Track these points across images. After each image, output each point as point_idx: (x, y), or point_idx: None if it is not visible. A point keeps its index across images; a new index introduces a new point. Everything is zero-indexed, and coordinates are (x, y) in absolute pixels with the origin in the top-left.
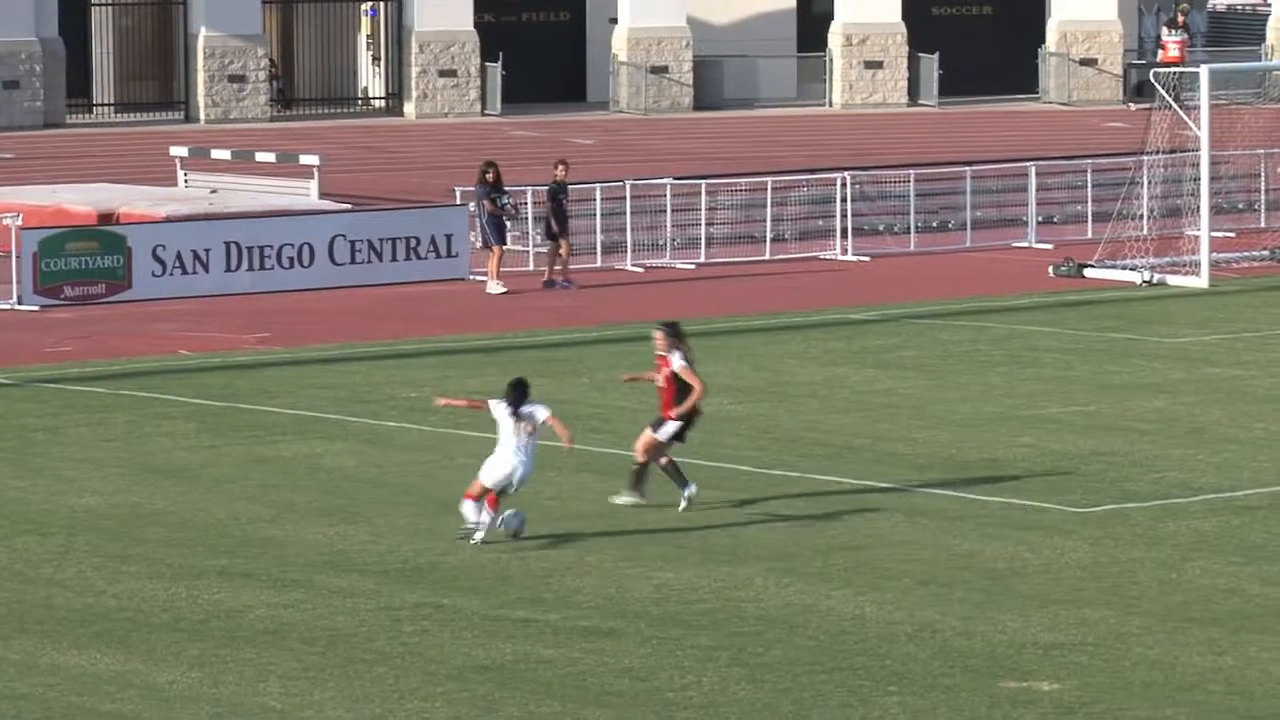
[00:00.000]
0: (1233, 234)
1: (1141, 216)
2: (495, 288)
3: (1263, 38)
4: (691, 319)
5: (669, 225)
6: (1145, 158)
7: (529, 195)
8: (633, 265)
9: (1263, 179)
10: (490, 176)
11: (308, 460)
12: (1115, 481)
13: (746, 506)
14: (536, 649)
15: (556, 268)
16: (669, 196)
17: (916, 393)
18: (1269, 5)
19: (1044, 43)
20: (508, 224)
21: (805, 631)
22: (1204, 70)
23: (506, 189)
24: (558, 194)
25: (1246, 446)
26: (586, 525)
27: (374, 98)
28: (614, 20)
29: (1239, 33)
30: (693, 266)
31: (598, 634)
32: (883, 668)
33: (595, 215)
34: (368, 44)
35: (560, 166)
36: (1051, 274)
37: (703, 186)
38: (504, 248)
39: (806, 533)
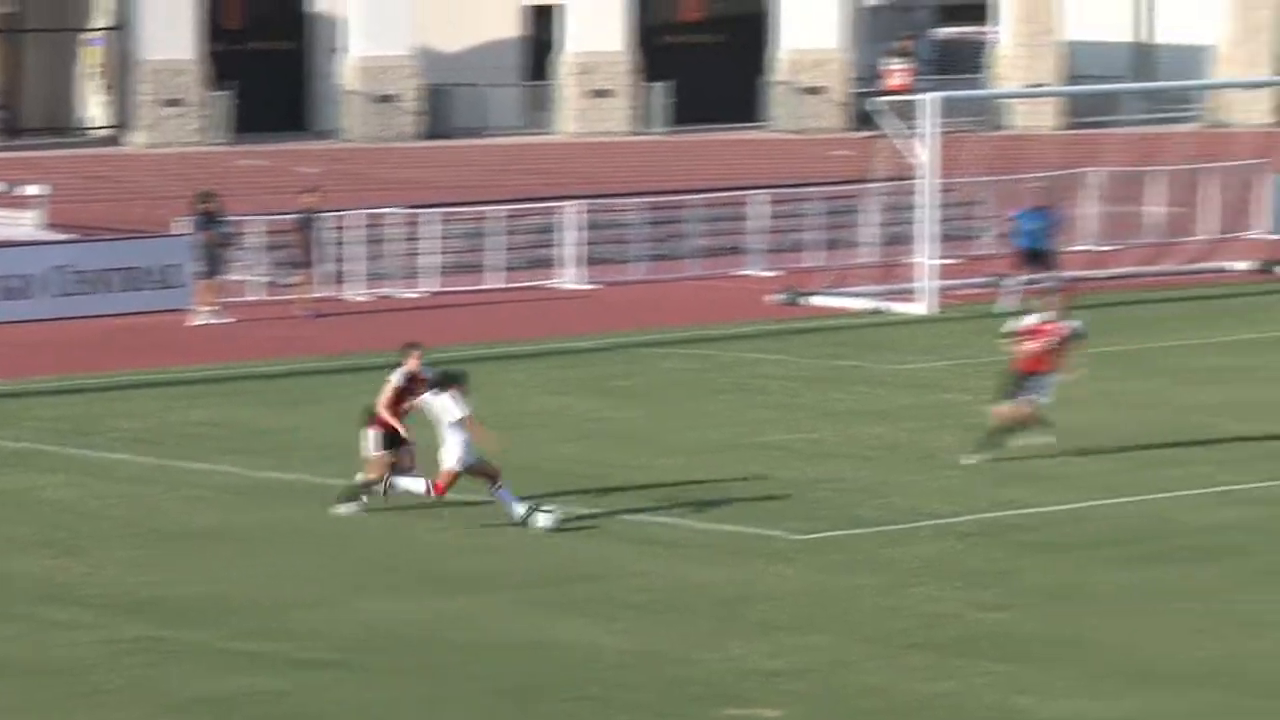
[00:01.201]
0: (957, 261)
1: (867, 244)
2: (206, 318)
3: (986, 66)
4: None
5: (398, 254)
6: (870, 185)
7: (259, 224)
8: (361, 294)
9: (986, 206)
10: (208, 206)
11: (29, 493)
12: (841, 508)
13: (479, 536)
14: (264, 681)
15: (303, 297)
16: (396, 226)
17: (644, 421)
18: (993, 34)
19: (771, 71)
20: (227, 253)
21: (540, 661)
22: (929, 98)
23: (231, 218)
24: (308, 222)
25: (971, 472)
26: (319, 554)
27: (101, 127)
28: (340, 49)
29: (963, 61)
30: (422, 295)
31: (326, 665)
32: (614, 697)
33: (325, 244)
34: (94, 73)
35: (309, 193)
36: (778, 301)
37: (431, 215)
38: (219, 278)
39: (541, 562)
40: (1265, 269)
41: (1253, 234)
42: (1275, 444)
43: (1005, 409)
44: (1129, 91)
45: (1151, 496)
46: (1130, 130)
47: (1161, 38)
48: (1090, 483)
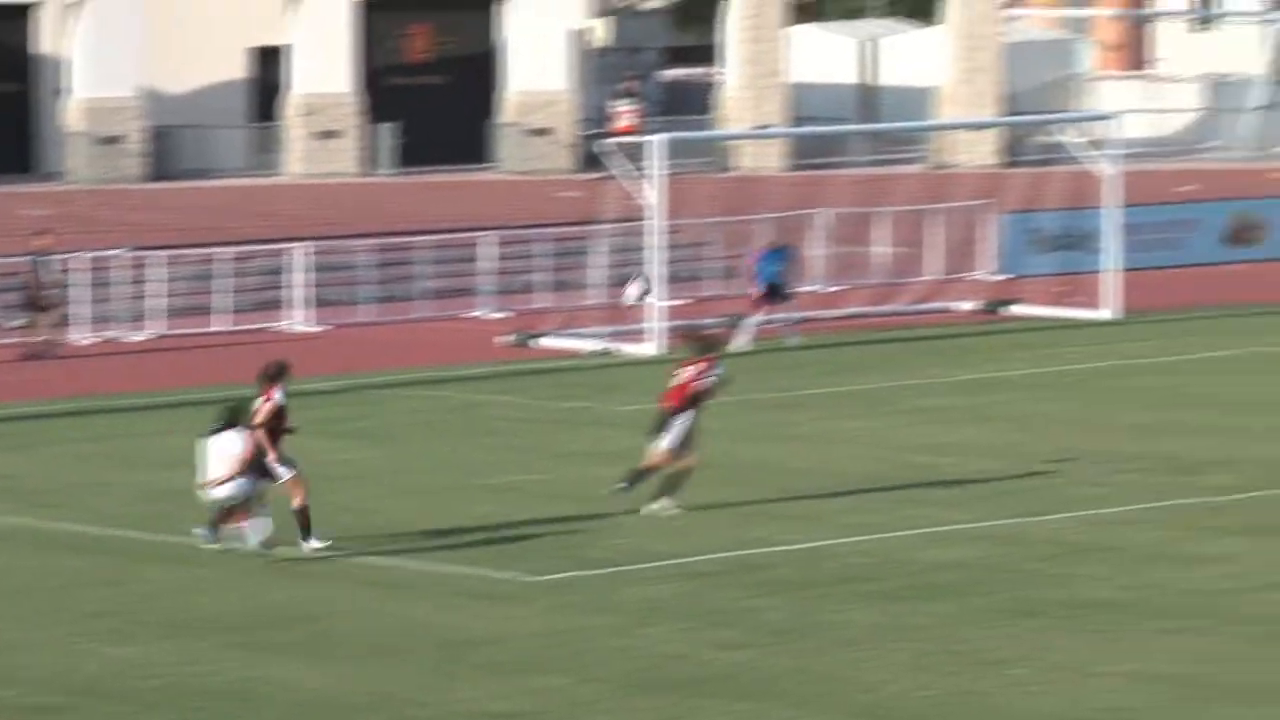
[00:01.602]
0: (686, 301)
1: (596, 285)
2: None
3: (714, 107)
4: (146, 391)
5: (124, 297)
6: (599, 227)
7: None
8: (87, 337)
9: (714, 247)
10: None
11: None
12: (571, 549)
13: (208, 577)
14: None
15: (38, 339)
16: (122, 268)
17: (375, 462)
18: (719, 75)
19: (499, 112)
20: None
21: (262, 705)
22: (656, 140)
23: None
24: (39, 264)
25: (700, 512)
26: (37, 600)
27: None
28: (64, 90)
29: (691, 102)
30: (149, 338)
31: (48, 711)
32: None
33: (58, 287)
34: None
35: (41, 236)
36: (507, 343)
37: (157, 257)
38: None
39: (265, 604)
40: (990, 309)
41: (978, 274)
42: (999, 483)
43: (663, 454)
44: (855, 133)
45: (883, 535)
46: (857, 171)
47: (885, 79)
48: (824, 521)
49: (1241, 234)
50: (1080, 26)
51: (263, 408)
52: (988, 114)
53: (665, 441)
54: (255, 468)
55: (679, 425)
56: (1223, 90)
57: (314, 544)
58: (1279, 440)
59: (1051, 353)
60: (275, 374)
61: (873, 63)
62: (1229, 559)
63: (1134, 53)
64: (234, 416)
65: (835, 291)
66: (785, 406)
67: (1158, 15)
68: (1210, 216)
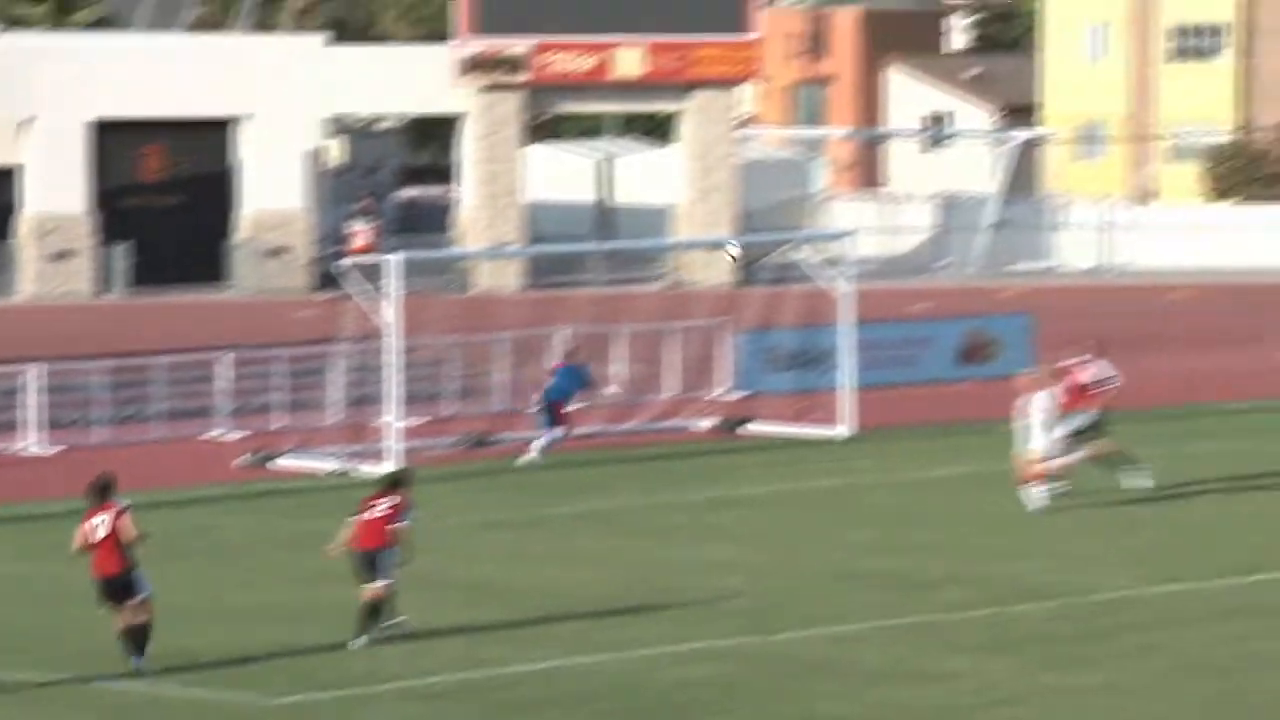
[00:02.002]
0: (423, 421)
1: (334, 405)
2: None
3: (450, 227)
4: None
5: None
6: (337, 346)
7: None
8: None
9: (453, 366)
10: None
11: None
12: (305, 672)
13: None
14: None
15: None
16: None
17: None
18: (456, 195)
19: (234, 232)
20: None
21: None
22: (392, 259)
23: None
24: None
25: (437, 633)
26: None
27: None
28: None
29: (428, 222)
30: None
31: None
32: None
33: None
34: None
35: None
36: (245, 463)
37: None
38: None
39: None
40: (727, 427)
41: (715, 392)
42: (738, 601)
43: (374, 588)
44: (592, 252)
45: (622, 654)
46: (595, 290)
47: (622, 198)
48: (561, 641)
49: (974, 351)
50: (813, 146)
51: (124, 520)
52: (722, 233)
53: (390, 576)
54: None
55: (391, 558)
56: (955, 209)
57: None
58: (1009, 558)
59: (788, 470)
60: (105, 488)
61: (610, 182)
62: (961, 676)
63: (867, 172)
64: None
65: (573, 410)
66: (523, 526)
67: (889, 135)
68: (944, 334)
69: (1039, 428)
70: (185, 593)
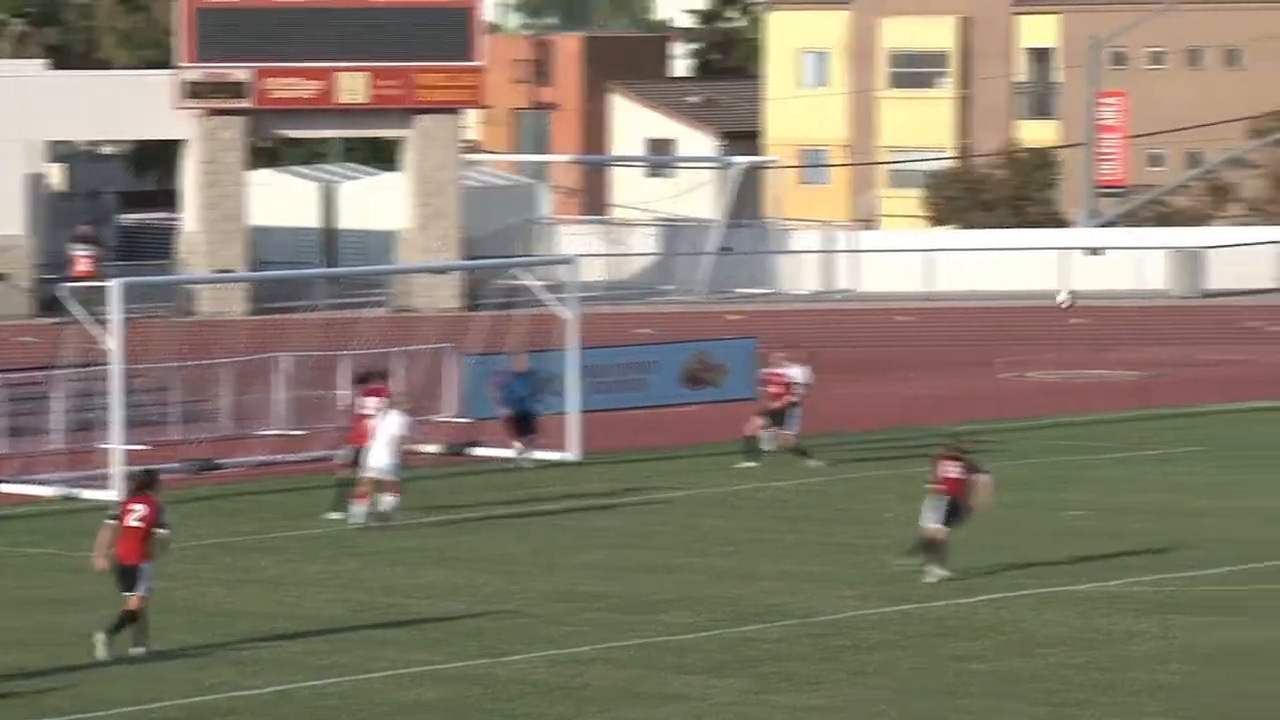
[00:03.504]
0: (147, 447)
1: (56, 430)
2: None
3: (174, 252)
4: None
5: None
6: (59, 372)
7: None
8: None
9: (176, 391)
10: None
11: None
12: (30, 700)
13: None
14: None
15: None
16: None
17: None
18: (179, 220)
19: None
20: None
21: None
22: (114, 284)
23: None
24: None
25: (162, 657)
26: None
27: None
28: None
29: (151, 247)
30: None
31: None
32: None
33: None
34: None
35: None
36: None
37: None
38: None
39: None
40: (456, 451)
41: (442, 416)
42: (466, 623)
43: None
44: (317, 276)
45: (352, 678)
46: (320, 315)
47: (347, 223)
48: (290, 665)
49: (700, 375)
50: (538, 172)
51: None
52: (448, 258)
53: (147, 588)
54: None
55: (149, 571)
56: (679, 235)
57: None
58: (736, 580)
59: (516, 494)
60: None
61: (334, 207)
62: (689, 697)
63: (592, 198)
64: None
65: (299, 436)
66: (249, 550)
67: (613, 161)
68: (669, 358)
69: (384, 447)
70: None
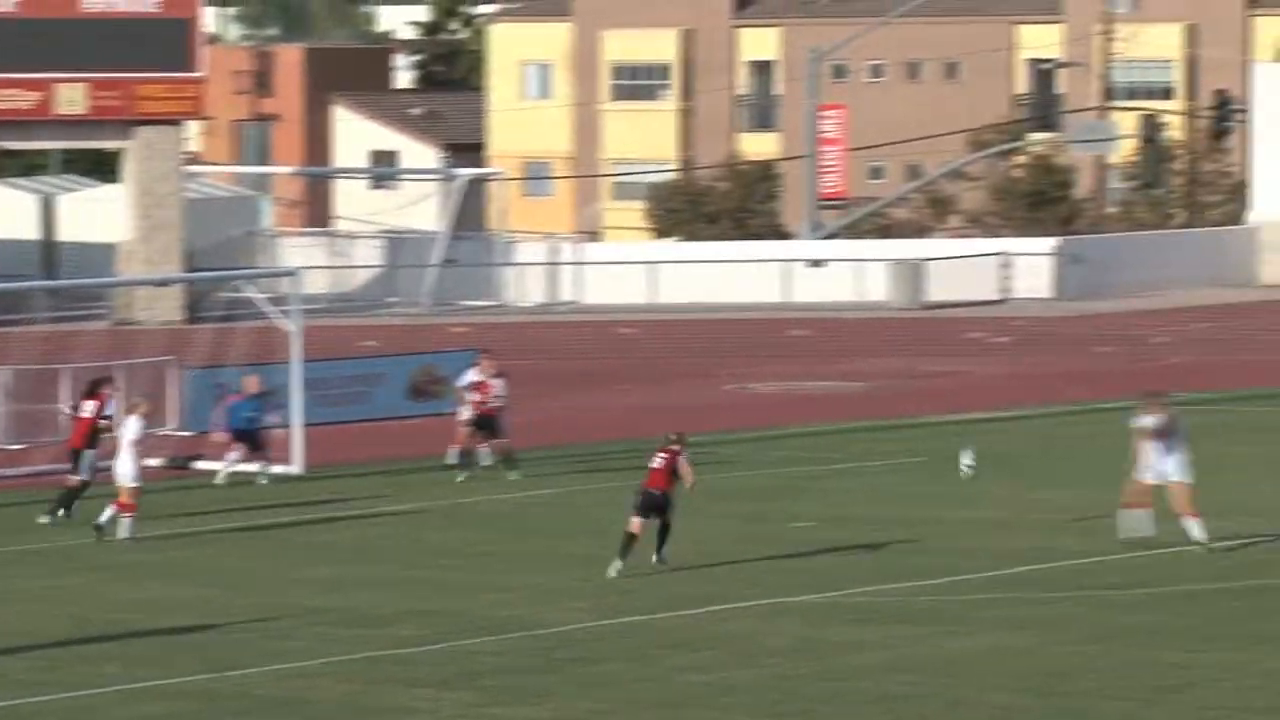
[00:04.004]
0: None
1: None
2: None
3: None
4: None
5: None
6: None
7: None
8: None
9: None
10: None
11: None
12: None
13: None
14: None
15: None
16: None
17: None
18: None
19: None
20: None
21: None
22: None
23: None
24: None
25: None
26: None
27: None
28: None
29: None
30: None
31: None
32: None
33: None
34: None
35: None
36: None
37: None
38: None
39: None
40: (177, 465)
41: (165, 430)
42: (189, 637)
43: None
44: (35, 289)
45: (73, 694)
46: (39, 328)
47: (67, 235)
48: (13, 683)
49: (425, 387)
50: (260, 184)
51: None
52: (169, 270)
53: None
54: None
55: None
56: (402, 247)
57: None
58: (462, 593)
59: (240, 508)
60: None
61: (54, 218)
62: (417, 711)
63: (315, 210)
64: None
65: (17, 450)
66: None
67: (336, 173)
68: (393, 371)
69: (128, 454)
70: None
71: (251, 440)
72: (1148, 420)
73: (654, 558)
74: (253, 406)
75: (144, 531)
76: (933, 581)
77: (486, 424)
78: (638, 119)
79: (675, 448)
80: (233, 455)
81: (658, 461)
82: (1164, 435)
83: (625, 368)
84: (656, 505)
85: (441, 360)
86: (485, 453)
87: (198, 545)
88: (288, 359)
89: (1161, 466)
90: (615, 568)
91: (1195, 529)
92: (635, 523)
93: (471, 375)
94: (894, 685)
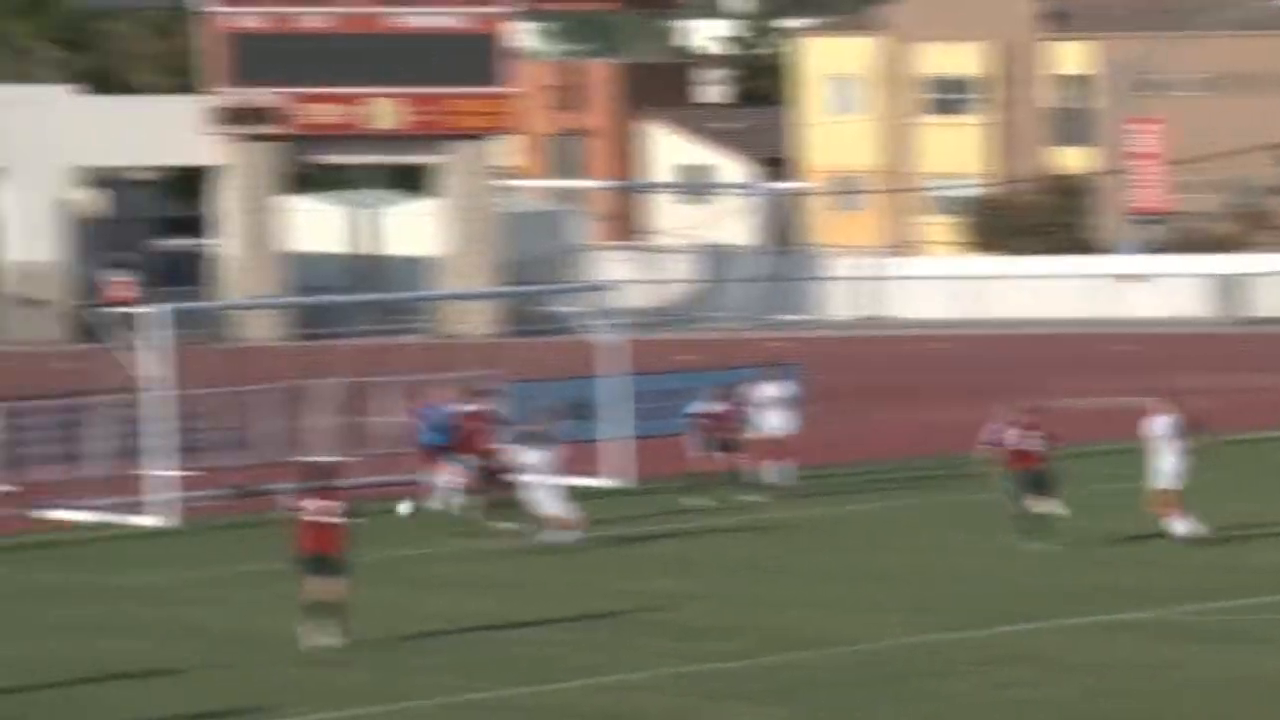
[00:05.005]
0: (191, 473)
1: (98, 457)
2: None
3: (211, 278)
4: None
5: None
6: (98, 398)
7: None
8: None
9: (217, 418)
10: None
11: None
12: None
13: None
14: None
15: None
16: None
17: None
18: (216, 246)
19: None
20: None
21: None
22: (152, 310)
23: None
24: None
25: (208, 683)
26: None
27: None
28: None
29: (188, 272)
30: None
31: None
32: None
33: None
34: None
35: None
36: (6, 515)
37: None
38: None
39: None
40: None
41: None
42: (517, 650)
43: None
44: (355, 303)
45: (400, 705)
46: (358, 341)
47: (385, 249)
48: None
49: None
50: (574, 198)
51: None
52: (485, 284)
53: None
54: None
55: None
56: (715, 261)
57: None
58: (778, 607)
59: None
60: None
61: (371, 233)
62: None
63: (627, 224)
64: None
65: (340, 462)
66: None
67: (649, 187)
68: (708, 385)
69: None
70: None
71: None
72: None
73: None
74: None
75: (446, 545)
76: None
77: (726, 444)
78: (947, 132)
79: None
80: (444, 476)
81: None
82: None
83: (938, 383)
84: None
85: (756, 374)
86: (773, 469)
87: (516, 560)
88: (603, 373)
89: None
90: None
91: None
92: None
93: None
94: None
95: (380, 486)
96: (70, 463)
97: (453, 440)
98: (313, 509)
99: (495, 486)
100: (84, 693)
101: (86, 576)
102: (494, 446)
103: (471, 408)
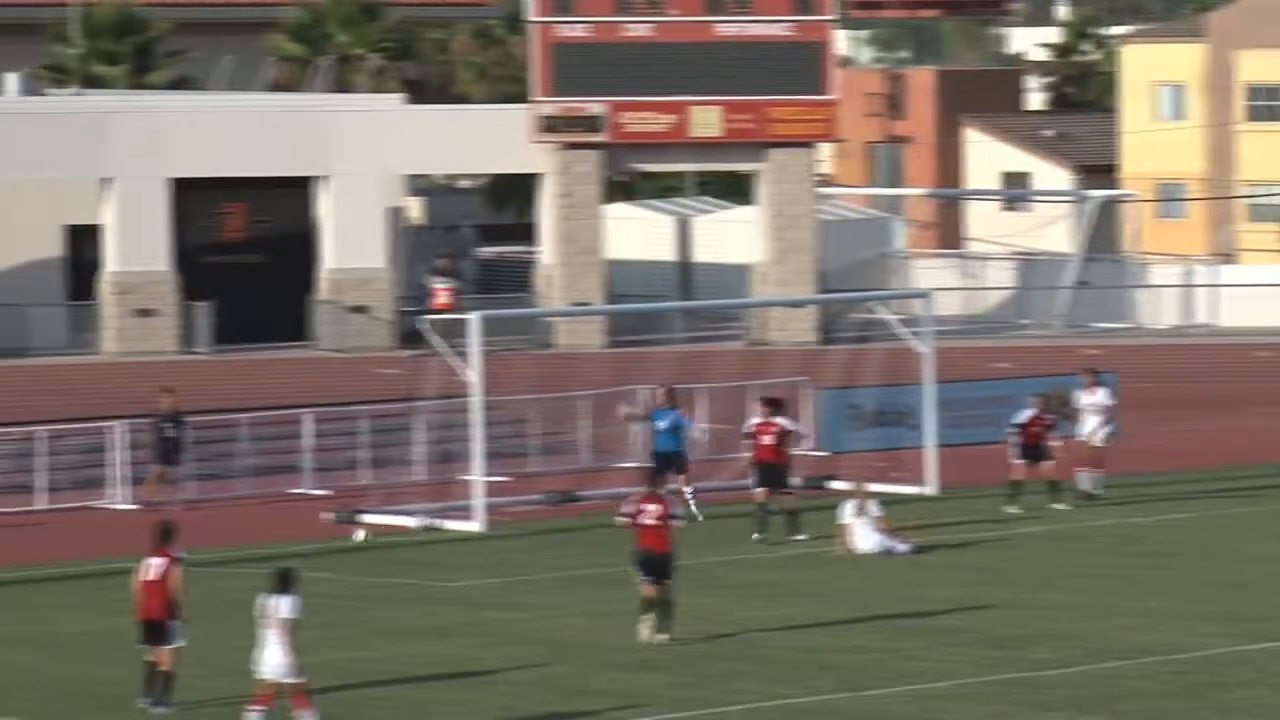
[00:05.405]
0: (508, 478)
1: (418, 462)
2: None
3: (531, 285)
4: None
5: None
6: (420, 403)
7: None
8: None
9: (536, 424)
10: None
11: None
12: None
13: None
14: None
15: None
16: None
17: (199, 641)
18: (536, 253)
19: (316, 290)
20: None
21: None
22: (474, 317)
23: None
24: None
25: (520, 686)
26: None
27: None
28: None
29: (508, 280)
30: None
31: None
32: None
33: None
34: None
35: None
36: (330, 520)
37: None
38: None
39: None
40: (810, 485)
41: (800, 450)
42: (822, 656)
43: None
44: (673, 310)
45: (710, 711)
46: (675, 348)
47: (702, 256)
48: (652, 697)
49: (1058, 411)
50: (892, 205)
51: (174, 570)
52: (802, 291)
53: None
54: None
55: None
56: (1035, 268)
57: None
58: (1094, 616)
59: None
60: (166, 533)
61: (689, 240)
62: None
63: (947, 231)
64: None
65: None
66: (611, 582)
67: (967, 195)
68: (1025, 393)
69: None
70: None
71: (673, 463)
72: None
73: None
74: (668, 421)
75: (771, 551)
76: None
77: (1033, 453)
78: (1272, 140)
79: None
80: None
81: None
82: None
83: (1261, 391)
84: None
85: (1073, 383)
86: (1085, 478)
87: (828, 565)
88: (919, 380)
89: None
90: None
91: None
92: None
93: (1027, 413)
94: None
95: (707, 492)
96: (393, 468)
97: (752, 453)
98: (652, 513)
99: (785, 496)
100: (403, 694)
101: (406, 581)
102: (786, 456)
103: (758, 419)
